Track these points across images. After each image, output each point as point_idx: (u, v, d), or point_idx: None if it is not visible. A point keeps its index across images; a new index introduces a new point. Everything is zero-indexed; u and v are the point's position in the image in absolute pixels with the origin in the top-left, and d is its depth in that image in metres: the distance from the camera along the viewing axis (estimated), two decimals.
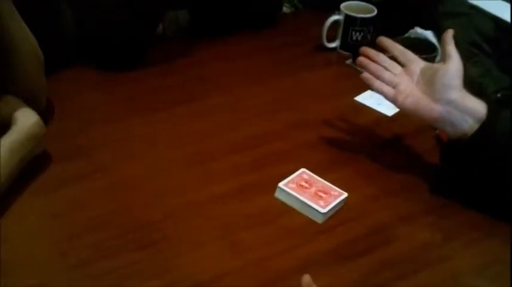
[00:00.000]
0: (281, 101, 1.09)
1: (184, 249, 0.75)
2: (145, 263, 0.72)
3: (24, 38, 0.89)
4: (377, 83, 0.87)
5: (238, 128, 1.00)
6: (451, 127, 0.79)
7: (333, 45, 1.28)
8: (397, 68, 0.87)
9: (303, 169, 0.86)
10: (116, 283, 0.70)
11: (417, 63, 0.86)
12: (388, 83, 0.86)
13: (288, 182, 0.84)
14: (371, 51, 0.89)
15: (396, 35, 1.14)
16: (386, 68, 0.87)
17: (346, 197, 0.82)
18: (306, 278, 0.63)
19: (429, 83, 0.82)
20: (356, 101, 1.10)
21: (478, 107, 0.78)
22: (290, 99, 1.10)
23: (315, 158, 0.91)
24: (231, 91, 1.11)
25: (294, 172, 0.86)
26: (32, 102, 0.89)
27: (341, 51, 1.28)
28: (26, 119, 0.84)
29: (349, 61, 1.24)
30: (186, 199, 0.83)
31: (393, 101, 0.85)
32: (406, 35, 1.17)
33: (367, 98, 1.10)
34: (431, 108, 0.80)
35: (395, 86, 0.85)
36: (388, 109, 1.07)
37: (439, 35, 1.13)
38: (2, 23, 0.84)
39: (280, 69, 1.21)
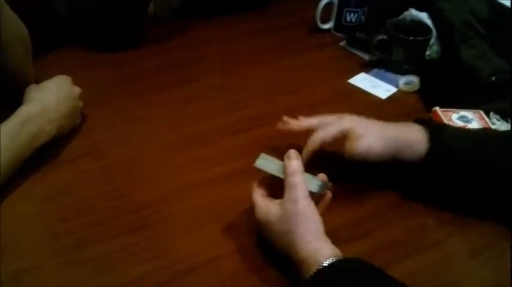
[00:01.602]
0: (274, 83, 1.09)
1: (178, 232, 0.75)
2: (139, 247, 0.72)
3: (9, 20, 0.87)
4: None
5: (232, 111, 0.99)
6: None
7: (326, 26, 1.27)
8: None
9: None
10: (109, 266, 0.69)
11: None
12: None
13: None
14: None
15: (391, 17, 1.13)
16: None
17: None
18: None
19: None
20: (350, 83, 1.09)
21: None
22: (284, 81, 1.09)
23: None
24: (224, 74, 1.10)
25: None
26: (20, 88, 0.87)
27: (335, 32, 1.27)
28: (24, 105, 0.83)
29: (343, 43, 1.23)
30: (180, 182, 0.83)
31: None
32: (401, 16, 1.16)
33: (361, 81, 1.10)
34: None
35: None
36: (382, 92, 1.07)
37: (434, 16, 1.13)
38: None
39: (273, 51, 1.20)
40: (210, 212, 0.78)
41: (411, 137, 0.77)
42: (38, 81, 0.96)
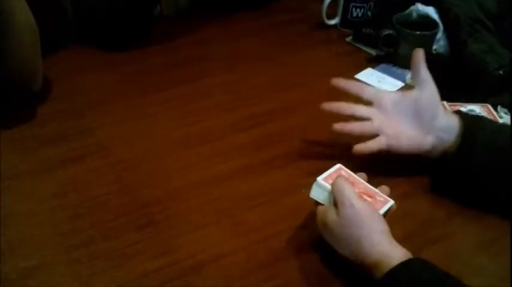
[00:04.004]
0: (280, 80, 1.08)
1: (185, 229, 0.75)
2: (146, 243, 0.72)
3: (20, 8, 0.87)
4: (357, 128, 0.82)
5: (239, 107, 0.99)
6: (439, 151, 0.78)
7: (333, 22, 1.27)
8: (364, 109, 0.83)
9: (339, 165, 0.73)
10: (117, 262, 0.70)
11: (387, 98, 0.82)
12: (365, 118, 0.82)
13: (326, 177, 0.70)
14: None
15: (397, 11, 1.13)
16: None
17: (392, 205, 0.70)
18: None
19: (412, 115, 0.78)
20: (357, 78, 1.09)
21: (457, 121, 0.76)
22: (290, 77, 1.09)
23: (317, 136, 0.91)
24: (231, 70, 1.10)
25: (295, 151, 0.86)
26: (29, 79, 0.87)
27: (341, 28, 1.27)
28: None
29: (349, 38, 1.23)
30: (186, 179, 0.83)
31: (388, 148, 0.80)
32: (407, 11, 1.15)
33: (368, 76, 1.10)
34: (423, 142, 0.78)
35: (378, 129, 0.80)
36: (389, 87, 1.06)
37: (440, 11, 1.12)
38: None
39: (280, 47, 1.20)
40: (217, 209, 0.78)
41: (454, 125, 0.77)
42: (45, 79, 0.97)
